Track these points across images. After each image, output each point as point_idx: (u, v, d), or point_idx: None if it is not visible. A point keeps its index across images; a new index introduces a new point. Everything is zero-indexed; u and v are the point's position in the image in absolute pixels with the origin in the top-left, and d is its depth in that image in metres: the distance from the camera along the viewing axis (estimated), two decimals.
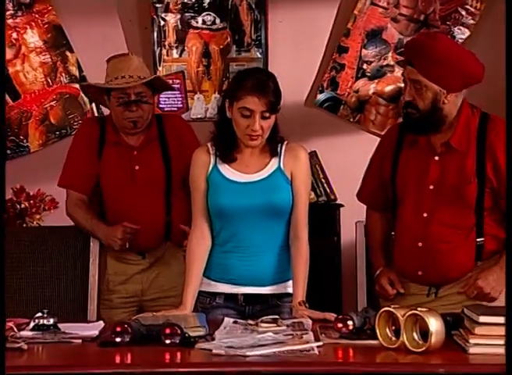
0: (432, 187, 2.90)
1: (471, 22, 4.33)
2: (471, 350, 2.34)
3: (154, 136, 3.35)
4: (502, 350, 2.31)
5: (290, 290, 2.89)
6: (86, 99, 4.33)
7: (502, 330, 2.33)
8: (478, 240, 2.89)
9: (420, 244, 2.90)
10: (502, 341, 2.32)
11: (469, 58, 2.86)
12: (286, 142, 2.94)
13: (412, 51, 2.87)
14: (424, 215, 2.90)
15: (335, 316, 2.60)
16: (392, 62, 4.35)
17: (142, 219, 3.27)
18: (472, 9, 4.32)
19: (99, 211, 3.36)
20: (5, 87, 4.32)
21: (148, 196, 3.30)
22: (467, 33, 4.32)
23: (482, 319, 2.35)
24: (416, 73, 2.80)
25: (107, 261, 3.38)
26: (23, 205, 4.09)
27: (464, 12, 4.33)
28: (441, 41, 2.88)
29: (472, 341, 2.35)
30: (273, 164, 2.91)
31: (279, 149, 2.92)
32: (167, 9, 4.32)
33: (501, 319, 2.35)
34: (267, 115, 2.81)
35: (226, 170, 2.90)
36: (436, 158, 2.90)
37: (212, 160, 2.92)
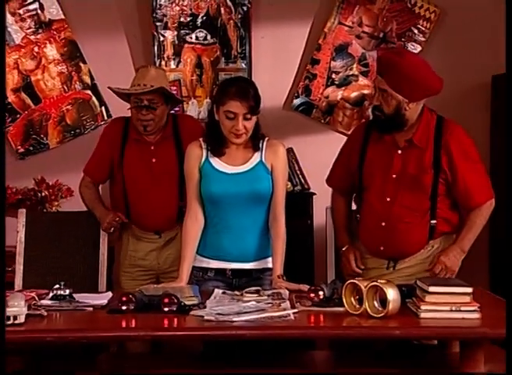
0: (394, 176, 2.91)
1: (422, 39, 4.33)
2: (422, 315, 2.35)
3: (169, 133, 3.34)
4: (447, 315, 2.33)
5: (270, 265, 2.89)
6: (97, 103, 4.31)
7: (447, 298, 2.35)
8: (432, 222, 2.91)
9: (383, 223, 2.91)
10: (447, 308, 2.34)
11: (430, 74, 2.87)
12: (266, 139, 2.93)
13: (383, 65, 2.87)
14: (388, 199, 2.91)
15: (308, 287, 2.60)
16: (356, 73, 4.35)
17: (158, 203, 3.28)
18: (423, 28, 4.32)
19: (122, 196, 3.35)
20: (30, 91, 4.30)
21: (163, 184, 3.29)
22: (418, 48, 4.32)
23: (431, 289, 2.36)
24: (384, 84, 2.82)
25: (129, 239, 3.38)
26: (43, 194, 4.06)
27: (416, 31, 4.33)
28: (408, 59, 2.88)
29: (423, 307, 2.36)
30: (256, 158, 2.89)
31: (260, 145, 2.91)
32: (166, 27, 4.30)
33: (447, 289, 2.37)
34: (248, 116, 2.80)
35: (216, 163, 2.88)
36: (399, 152, 2.92)
37: (204, 154, 2.90)
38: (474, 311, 2.33)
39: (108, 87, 3.40)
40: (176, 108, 4.22)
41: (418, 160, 2.88)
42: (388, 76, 2.80)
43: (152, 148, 3.33)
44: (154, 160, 3.31)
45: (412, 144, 2.89)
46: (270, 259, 2.89)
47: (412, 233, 2.90)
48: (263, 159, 2.89)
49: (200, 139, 2.94)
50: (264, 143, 2.91)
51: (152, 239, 3.35)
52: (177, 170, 3.28)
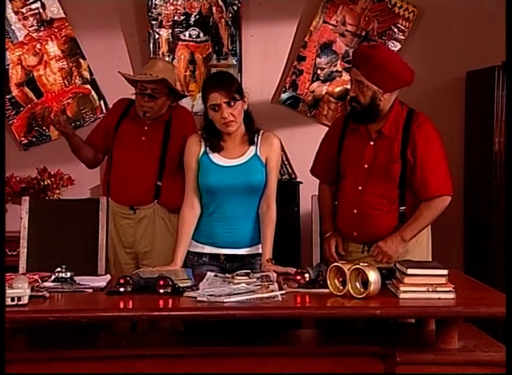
0: (366, 166, 2.89)
1: (402, 37, 4.32)
2: (401, 295, 2.35)
3: (164, 119, 3.36)
4: (424, 295, 2.34)
5: (261, 250, 2.87)
6: (96, 97, 4.28)
7: (425, 280, 2.36)
8: (401, 208, 2.89)
9: (355, 211, 2.90)
10: (425, 288, 2.34)
11: (402, 66, 2.85)
12: (261, 132, 2.91)
13: (358, 57, 2.85)
14: (360, 188, 2.89)
15: (295, 270, 2.60)
16: (340, 69, 4.34)
17: (138, 177, 3.28)
18: (402, 27, 4.31)
19: (107, 167, 3.39)
20: (33, 85, 4.26)
21: (145, 161, 3.30)
22: (398, 46, 4.31)
23: (410, 271, 2.36)
24: (360, 75, 2.79)
25: (109, 215, 3.36)
26: (45, 182, 4.04)
27: (396, 30, 4.32)
28: (382, 51, 2.86)
29: (402, 288, 2.36)
30: (251, 151, 2.87)
31: (256, 139, 2.88)
32: (161, 25, 4.28)
33: (424, 271, 2.38)
34: (231, 104, 2.77)
35: (214, 156, 2.87)
36: (371, 143, 2.90)
37: (203, 147, 2.88)
38: (449, 291, 2.34)
39: (119, 72, 3.39)
40: None
41: (388, 150, 2.86)
42: (363, 68, 2.78)
43: (146, 128, 3.34)
44: (143, 138, 3.34)
45: (382, 134, 2.87)
46: (261, 245, 2.88)
47: (382, 219, 2.88)
48: (258, 153, 2.87)
49: (200, 132, 2.91)
50: (260, 136, 2.89)
51: (127, 214, 3.34)
52: (159, 152, 3.29)
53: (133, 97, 3.39)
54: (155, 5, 4.26)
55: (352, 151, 2.91)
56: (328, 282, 2.41)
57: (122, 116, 3.39)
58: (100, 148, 3.46)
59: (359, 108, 2.83)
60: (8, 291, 2.25)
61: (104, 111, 4.24)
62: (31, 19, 4.26)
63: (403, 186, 2.87)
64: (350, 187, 2.91)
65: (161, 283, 2.39)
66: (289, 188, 4.08)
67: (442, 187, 2.86)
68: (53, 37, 4.28)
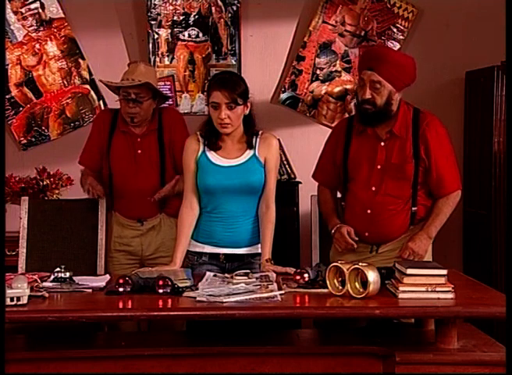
0: (379, 166, 2.90)
1: (401, 37, 4.32)
2: (400, 295, 2.35)
3: (155, 127, 3.31)
4: (424, 295, 2.34)
5: (260, 250, 2.87)
6: (95, 97, 4.28)
7: (424, 280, 2.36)
8: (413, 208, 2.91)
9: (369, 211, 2.90)
10: (424, 288, 2.34)
11: (412, 64, 2.88)
12: (260, 132, 2.91)
13: (372, 58, 2.86)
14: (373, 188, 2.90)
15: (294, 270, 2.60)
16: (339, 69, 4.34)
17: (140, 193, 3.25)
18: (401, 27, 4.32)
19: (107, 185, 3.32)
20: (32, 85, 4.26)
21: (146, 175, 3.26)
22: (398, 46, 4.31)
23: (409, 271, 2.36)
24: (376, 75, 2.79)
25: (113, 227, 3.35)
26: (45, 183, 4.02)
27: (395, 30, 4.32)
28: (392, 49, 2.95)
29: (401, 288, 2.36)
30: (250, 151, 2.88)
31: (254, 139, 2.88)
32: (160, 25, 4.28)
33: (423, 271, 2.38)
34: (232, 106, 2.77)
35: (212, 156, 2.87)
36: (382, 143, 2.91)
37: (201, 147, 2.88)
38: (448, 291, 2.34)
39: (100, 80, 3.37)
40: (170, 102, 4.21)
41: (400, 150, 2.88)
42: (379, 67, 2.79)
43: (138, 140, 3.30)
44: (139, 152, 3.29)
45: (393, 134, 2.89)
46: (260, 245, 2.87)
47: (395, 219, 2.90)
48: (257, 153, 2.87)
49: (198, 132, 2.91)
50: (258, 137, 2.89)
51: (135, 226, 3.32)
52: (159, 162, 3.26)
53: (111, 106, 3.35)
54: (154, 5, 4.26)
55: (362, 153, 2.92)
56: (328, 282, 2.41)
57: (112, 130, 3.32)
58: (97, 167, 3.39)
59: (373, 109, 2.82)
60: (8, 291, 2.25)
61: None
62: (30, 19, 4.26)
63: (415, 185, 2.89)
64: (361, 189, 2.91)
65: (161, 283, 2.39)
66: (288, 188, 4.07)
67: (456, 183, 2.94)
68: (52, 37, 4.28)
